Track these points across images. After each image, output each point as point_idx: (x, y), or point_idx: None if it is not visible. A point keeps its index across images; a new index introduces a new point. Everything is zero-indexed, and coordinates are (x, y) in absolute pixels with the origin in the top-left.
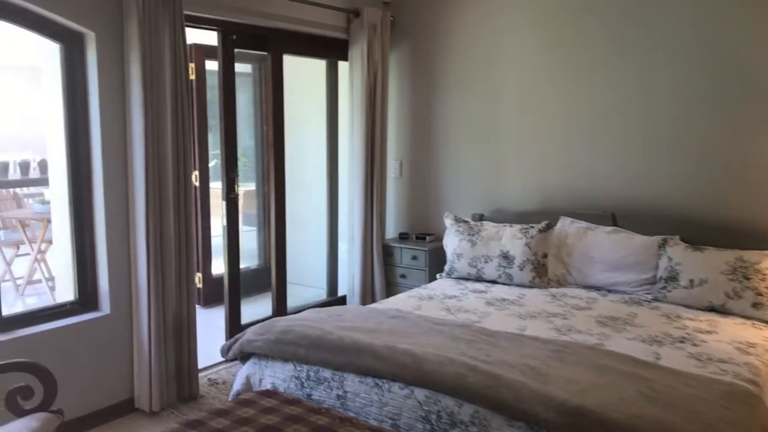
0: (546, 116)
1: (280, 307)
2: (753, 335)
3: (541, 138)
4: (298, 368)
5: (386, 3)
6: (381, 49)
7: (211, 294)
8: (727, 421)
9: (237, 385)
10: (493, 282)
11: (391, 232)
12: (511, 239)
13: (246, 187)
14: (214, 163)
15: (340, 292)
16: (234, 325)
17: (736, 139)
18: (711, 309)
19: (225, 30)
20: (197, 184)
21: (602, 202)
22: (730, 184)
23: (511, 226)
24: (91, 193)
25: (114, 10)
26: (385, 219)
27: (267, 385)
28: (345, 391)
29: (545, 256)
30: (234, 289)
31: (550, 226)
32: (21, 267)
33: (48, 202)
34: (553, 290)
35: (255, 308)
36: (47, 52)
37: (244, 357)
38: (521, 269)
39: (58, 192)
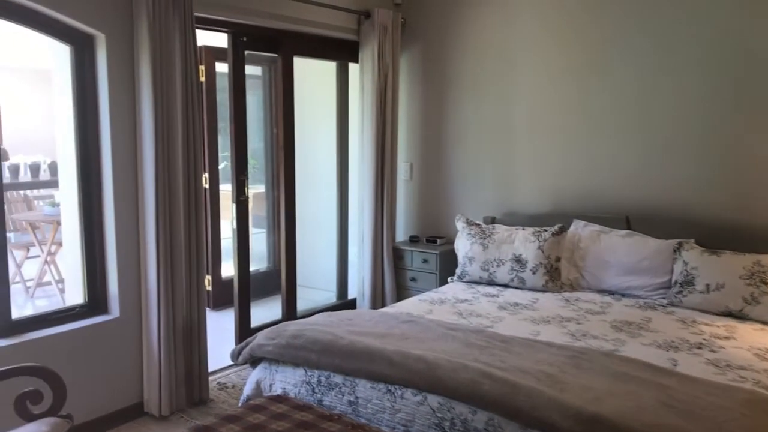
0: (559, 118)
1: (290, 311)
2: None
3: (554, 140)
4: (309, 373)
5: (397, 4)
6: (392, 50)
7: (221, 297)
8: (748, 429)
9: (247, 390)
10: (506, 286)
11: (401, 235)
12: (524, 242)
13: (256, 189)
14: (224, 165)
15: (350, 296)
16: (244, 329)
17: (753, 141)
18: (728, 314)
19: (235, 32)
20: (207, 186)
21: (616, 204)
22: (747, 186)
23: (523, 230)
24: (101, 196)
25: (124, 12)
26: (395, 222)
27: (277, 390)
28: (357, 397)
29: (558, 259)
30: (244, 292)
31: (563, 230)
32: (31, 269)
33: (58, 205)
34: (567, 294)
35: (265, 311)
36: (58, 55)
37: (254, 361)
38: (534, 273)
39: (67, 194)
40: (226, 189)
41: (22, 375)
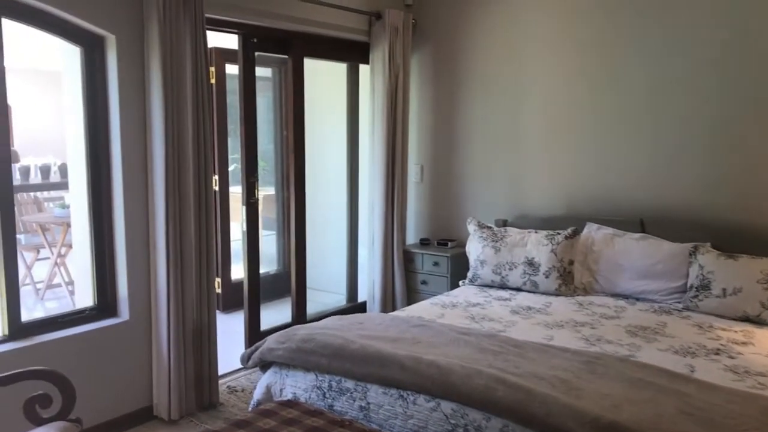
0: (571, 119)
1: (300, 314)
2: None
3: (566, 141)
4: (320, 378)
5: (408, 5)
6: (403, 52)
7: (231, 299)
8: None
9: (257, 395)
10: (518, 289)
11: (411, 237)
12: (537, 246)
13: (266, 191)
14: (234, 167)
15: (360, 298)
16: (253, 332)
17: None
18: (746, 319)
19: (245, 33)
20: (217, 188)
21: (630, 207)
22: (764, 189)
23: (536, 232)
24: (111, 198)
25: (135, 13)
26: (405, 224)
27: (288, 395)
28: (368, 403)
29: (571, 263)
30: (254, 295)
31: (576, 233)
32: (41, 271)
33: (68, 206)
34: (580, 298)
35: (275, 314)
36: (68, 56)
37: (264, 365)
38: (547, 276)
39: (77, 196)
40: (236, 191)
41: (32, 379)
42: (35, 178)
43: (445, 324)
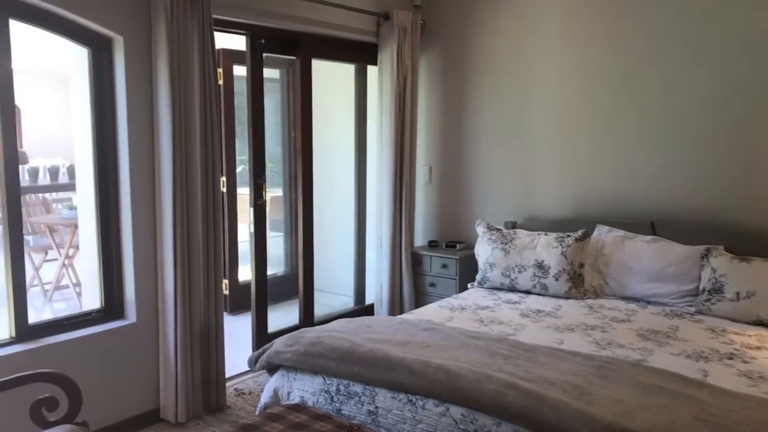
0: (581, 120)
1: (308, 316)
2: None
3: (577, 143)
4: (328, 382)
5: (417, 6)
6: (411, 52)
7: (238, 300)
8: None
9: (264, 398)
10: (527, 292)
11: (420, 239)
12: (547, 248)
13: (273, 192)
14: (242, 168)
15: (368, 301)
16: (261, 334)
17: None
18: (759, 323)
19: (253, 34)
20: (225, 189)
21: (640, 209)
22: None
23: (545, 235)
24: (118, 199)
25: (142, 14)
26: (413, 226)
27: (295, 398)
28: (376, 407)
29: (582, 265)
30: (261, 297)
31: (586, 235)
32: (49, 272)
33: (75, 208)
34: (590, 301)
35: (282, 316)
36: (76, 57)
37: (271, 368)
38: (557, 279)
39: (84, 197)
40: (243, 192)
41: (38, 381)
42: (44, 179)
43: (454, 327)
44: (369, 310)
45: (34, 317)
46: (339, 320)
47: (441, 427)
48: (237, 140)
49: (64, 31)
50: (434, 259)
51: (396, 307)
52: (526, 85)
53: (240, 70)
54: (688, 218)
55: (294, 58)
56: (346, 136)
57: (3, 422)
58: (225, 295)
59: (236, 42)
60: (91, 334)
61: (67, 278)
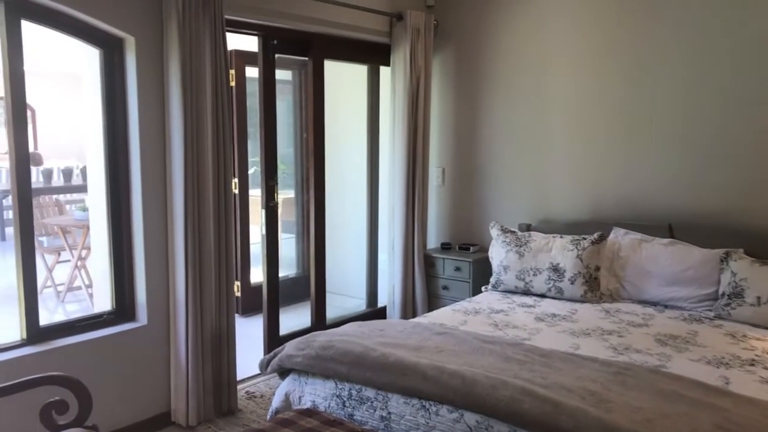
0: (597, 120)
1: (320, 318)
2: None
3: (592, 144)
4: (340, 386)
5: (430, 6)
6: (424, 53)
7: (250, 302)
8: None
9: (276, 403)
10: (542, 296)
11: (432, 241)
12: (562, 251)
13: (285, 194)
14: (254, 170)
15: (380, 303)
16: (272, 336)
17: None
18: None
19: (266, 35)
20: (237, 191)
21: (658, 212)
22: None
23: (561, 237)
24: (129, 201)
25: (154, 15)
26: (426, 228)
27: (307, 403)
28: (389, 413)
29: (598, 269)
30: (273, 299)
31: (602, 238)
32: (62, 273)
33: (88, 209)
34: (606, 305)
35: (294, 318)
36: (87, 58)
37: (283, 372)
38: (572, 283)
39: (96, 199)
40: (255, 194)
41: (48, 384)
42: (58, 180)
43: (468, 332)
44: (381, 313)
45: (47, 318)
46: (351, 324)
47: None
48: (249, 142)
49: (75, 31)
50: (447, 262)
51: (409, 310)
52: (541, 86)
53: (252, 72)
54: (707, 221)
55: (306, 59)
56: (359, 137)
57: (13, 425)
58: (237, 297)
59: (248, 43)
60: (102, 337)
61: (79, 280)
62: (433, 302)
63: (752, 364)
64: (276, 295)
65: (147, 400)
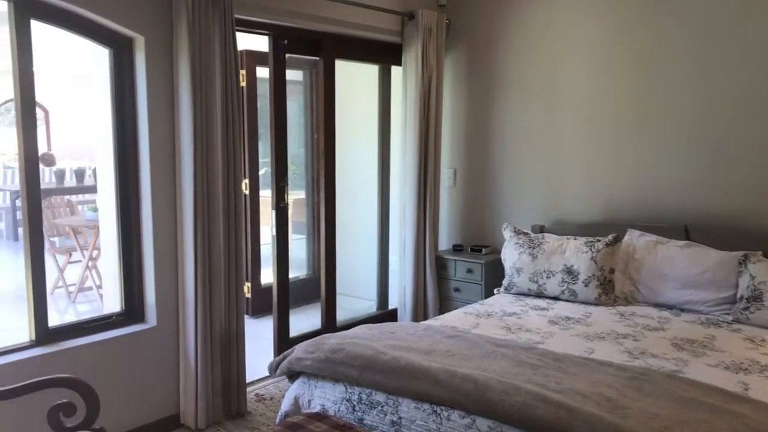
0: (611, 121)
1: (330, 320)
2: None
3: (606, 144)
4: (350, 390)
5: (442, 6)
6: (436, 53)
7: (260, 304)
8: None
9: (285, 406)
10: (556, 299)
11: (444, 243)
12: (576, 253)
13: (295, 195)
14: (264, 171)
15: (391, 305)
16: (282, 338)
17: None
18: None
19: (276, 34)
20: (247, 192)
21: (673, 213)
22: None
23: (575, 239)
24: (139, 201)
25: (163, 15)
26: (438, 229)
27: (316, 406)
28: (400, 417)
29: (612, 271)
30: (283, 301)
31: (617, 240)
32: (73, 274)
33: (98, 210)
34: (621, 308)
35: (304, 319)
36: (97, 58)
37: (292, 375)
38: (586, 285)
39: (106, 200)
40: (265, 195)
41: (56, 386)
42: (70, 181)
43: (481, 335)
44: (392, 315)
45: (57, 319)
46: (361, 326)
47: None
48: (260, 142)
49: (84, 31)
50: (459, 264)
51: (420, 312)
52: (554, 86)
53: (263, 72)
54: (724, 223)
55: (317, 58)
56: (370, 137)
57: (21, 427)
58: (247, 299)
59: (259, 43)
60: (110, 338)
61: (90, 280)
62: (444, 304)
63: None
64: (286, 297)
65: (155, 402)
